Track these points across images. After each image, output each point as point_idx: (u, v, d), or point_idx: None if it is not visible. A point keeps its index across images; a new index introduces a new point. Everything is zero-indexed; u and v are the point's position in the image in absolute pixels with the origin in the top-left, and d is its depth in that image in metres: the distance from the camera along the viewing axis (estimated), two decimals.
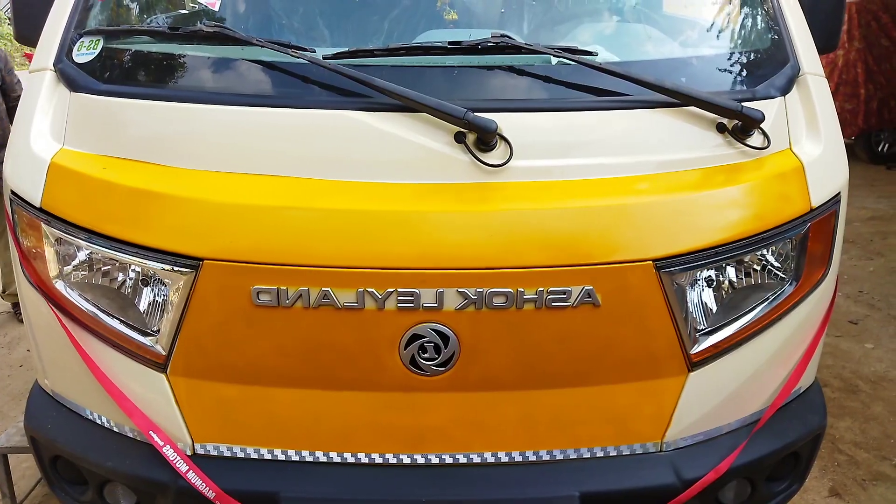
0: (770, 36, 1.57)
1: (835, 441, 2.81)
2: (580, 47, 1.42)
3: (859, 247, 5.31)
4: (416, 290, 1.24)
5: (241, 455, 1.36)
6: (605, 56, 1.47)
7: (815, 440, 1.54)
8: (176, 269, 1.27)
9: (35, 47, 1.65)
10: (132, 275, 1.32)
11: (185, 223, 1.27)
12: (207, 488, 1.30)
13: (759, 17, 1.61)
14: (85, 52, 1.48)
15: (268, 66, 1.41)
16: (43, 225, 1.35)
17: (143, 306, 1.33)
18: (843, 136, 6.15)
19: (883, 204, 6.42)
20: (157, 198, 1.29)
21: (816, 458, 1.64)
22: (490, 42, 1.38)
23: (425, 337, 1.28)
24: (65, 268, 1.37)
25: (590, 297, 1.26)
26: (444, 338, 1.28)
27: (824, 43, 1.71)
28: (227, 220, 1.27)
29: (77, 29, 1.52)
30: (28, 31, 1.68)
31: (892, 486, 2.53)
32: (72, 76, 1.45)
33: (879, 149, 7.89)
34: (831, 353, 3.61)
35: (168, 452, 1.33)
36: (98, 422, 1.45)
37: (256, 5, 1.69)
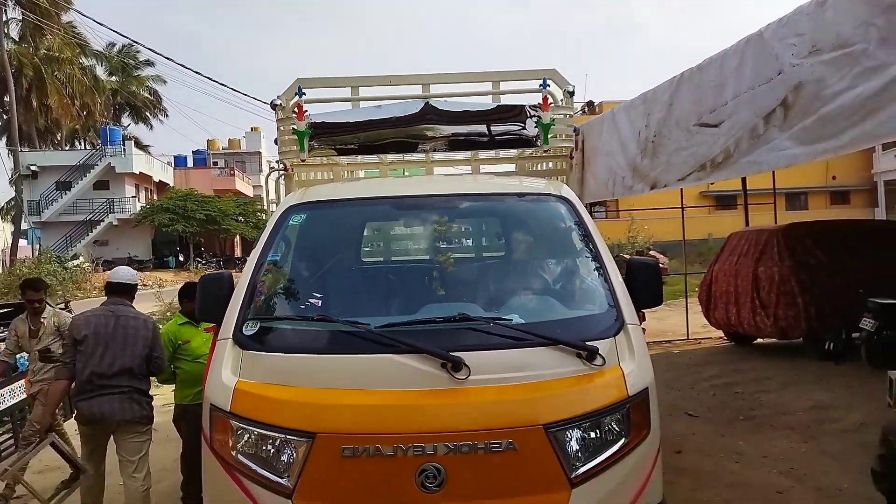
0: (609, 304, 2.95)
1: None
2: (504, 316, 2.80)
3: (797, 432, 6.32)
4: (423, 445, 2.46)
5: None
6: (518, 319, 2.83)
7: None
8: (302, 439, 2.51)
9: (209, 323, 3.06)
10: (277, 443, 2.55)
11: (307, 415, 2.54)
12: None
13: (602, 294, 3.00)
14: (249, 328, 2.86)
15: (345, 333, 2.77)
16: (230, 420, 2.62)
17: (282, 460, 2.54)
18: (792, 338, 7.80)
19: (826, 396, 7.46)
20: (292, 403, 2.58)
21: None
22: (456, 317, 2.76)
23: (428, 470, 2.46)
24: (239, 443, 2.61)
25: (511, 445, 2.47)
26: (438, 470, 2.46)
27: (651, 302, 3.09)
28: (328, 413, 2.53)
29: (243, 316, 2.91)
30: (209, 316, 3.10)
31: None
32: (242, 342, 2.81)
33: (826, 347, 9.13)
34: None
35: None
36: None
37: (338, 300, 3.12)
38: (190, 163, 49.27)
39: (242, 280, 3.06)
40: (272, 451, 2.57)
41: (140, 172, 41.47)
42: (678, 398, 7.79)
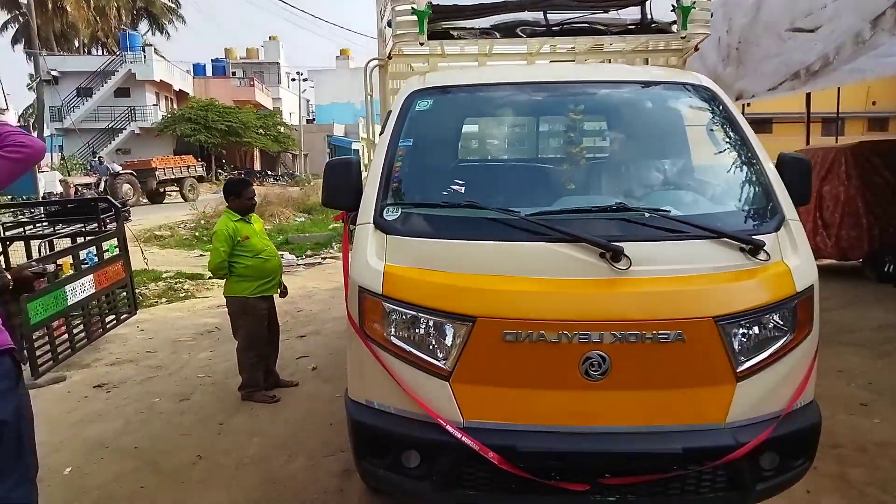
0: (769, 201, 2.80)
1: (850, 481, 3.74)
2: (662, 208, 2.66)
3: (869, 349, 6.28)
4: (588, 333, 2.39)
5: (491, 427, 2.44)
6: (675, 212, 2.69)
7: (815, 430, 2.58)
8: (462, 322, 2.44)
9: (336, 209, 2.95)
10: (432, 325, 2.49)
11: (467, 299, 2.46)
12: (474, 444, 2.38)
13: (762, 191, 2.84)
14: (390, 213, 2.75)
15: (493, 220, 2.65)
16: (382, 303, 2.55)
17: (440, 343, 2.48)
18: (851, 259, 7.63)
19: (891, 316, 7.41)
20: (450, 286, 2.49)
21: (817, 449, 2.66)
22: (613, 207, 2.63)
23: (592, 358, 2.40)
24: (392, 326, 2.55)
25: (680, 336, 2.39)
26: (603, 359, 2.40)
27: (799, 200, 2.93)
28: (489, 297, 2.45)
29: (382, 201, 2.79)
30: (334, 202, 2.99)
31: None
32: (384, 227, 2.70)
33: (886, 269, 8.99)
34: (849, 426, 4.53)
35: (449, 428, 2.42)
36: (398, 413, 2.55)
37: (484, 188, 2.99)
38: (209, 72, 48.29)
39: (375, 165, 2.92)
40: (429, 333, 2.51)
41: (160, 80, 40.75)
42: None
